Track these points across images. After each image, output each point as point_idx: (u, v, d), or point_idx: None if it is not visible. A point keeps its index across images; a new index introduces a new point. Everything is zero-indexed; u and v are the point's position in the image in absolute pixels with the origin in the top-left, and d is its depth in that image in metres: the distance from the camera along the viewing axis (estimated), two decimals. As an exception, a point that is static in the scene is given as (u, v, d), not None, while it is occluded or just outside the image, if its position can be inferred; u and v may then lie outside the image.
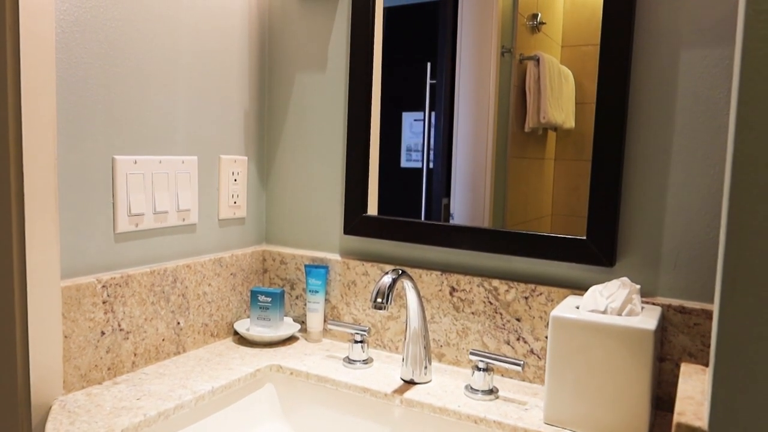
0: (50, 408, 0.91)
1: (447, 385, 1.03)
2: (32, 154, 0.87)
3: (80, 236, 0.97)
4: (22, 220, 0.87)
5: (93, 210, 0.99)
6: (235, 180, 1.26)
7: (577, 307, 0.91)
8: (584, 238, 0.99)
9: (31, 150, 0.87)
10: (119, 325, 1.02)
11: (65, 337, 0.93)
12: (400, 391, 1.01)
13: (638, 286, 0.91)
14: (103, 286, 0.99)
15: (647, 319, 0.86)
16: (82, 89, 0.96)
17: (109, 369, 1.01)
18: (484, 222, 1.10)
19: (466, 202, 1.13)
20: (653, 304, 0.95)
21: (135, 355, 1.05)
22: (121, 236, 1.03)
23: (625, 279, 0.92)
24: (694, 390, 0.67)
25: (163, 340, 1.10)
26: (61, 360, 0.93)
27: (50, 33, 0.88)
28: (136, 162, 1.04)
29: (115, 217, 1.02)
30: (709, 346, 0.92)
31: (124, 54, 1.02)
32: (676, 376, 0.94)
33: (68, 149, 0.94)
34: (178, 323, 1.13)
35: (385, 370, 1.10)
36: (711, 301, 0.93)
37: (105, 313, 0.99)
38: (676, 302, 0.94)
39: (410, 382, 1.04)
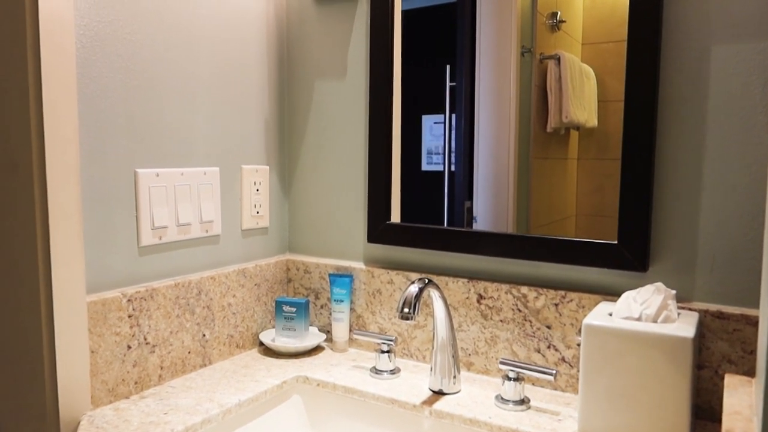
0: (78, 423, 0.91)
1: (477, 396, 1.01)
2: (55, 170, 0.87)
3: (104, 250, 0.97)
4: (46, 236, 0.87)
5: (116, 224, 0.99)
6: (257, 190, 1.25)
7: (610, 314, 0.89)
8: (615, 242, 0.96)
9: (54, 166, 0.87)
10: (145, 339, 1.01)
11: (92, 352, 0.93)
12: (429, 402, 0.99)
13: (673, 292, 0.88)
14: (128, 300, 0.98)
15: (685, 326, 0.83)
16: (102, 103, 0.96)
17: (136, 383, 1.00)
18: (508, 224, 1.08)
19: (489, 205, 1.11)
20: (689, 309, 0.91)
21: (161, 368, 1.05)
22: (145, 249, 1.03)
23: (659, 284, 0.89)
24: (741, 404, 0.64)
25: (189, 352, 1.10)
26: (89, 375, 0.93)
27: (71, 48, 0.88)
28: (158, 175, 1.04)
29: (139, 231, 1.02)
30: (749, 353, 0.88)
31: (143, 67, 1.02)
32: (716, 384, 0.90)
33: (90, 164, 0.94)
34: (204, 335, 1.13)
35: (413, 380, 1.08)
36: (751, 305, 0.89)
37: (131, 327, 0.99)
38: (713, 307, 0.91)
39: (439, 393, 1.02)
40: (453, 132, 1.14)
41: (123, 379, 0.98)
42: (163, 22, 1.04)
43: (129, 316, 0.99)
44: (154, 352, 1.03)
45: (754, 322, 0.88)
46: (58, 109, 0.87)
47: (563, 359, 1.02)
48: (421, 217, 1.18)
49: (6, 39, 0.87)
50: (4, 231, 0.91)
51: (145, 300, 1.01)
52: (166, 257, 1.07)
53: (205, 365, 1.13)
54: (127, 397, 0.99)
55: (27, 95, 0.85)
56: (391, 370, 1.10)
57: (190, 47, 1.10)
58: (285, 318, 1.20)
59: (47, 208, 0.86)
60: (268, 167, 1.28)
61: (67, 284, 0.89)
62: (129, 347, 0.99)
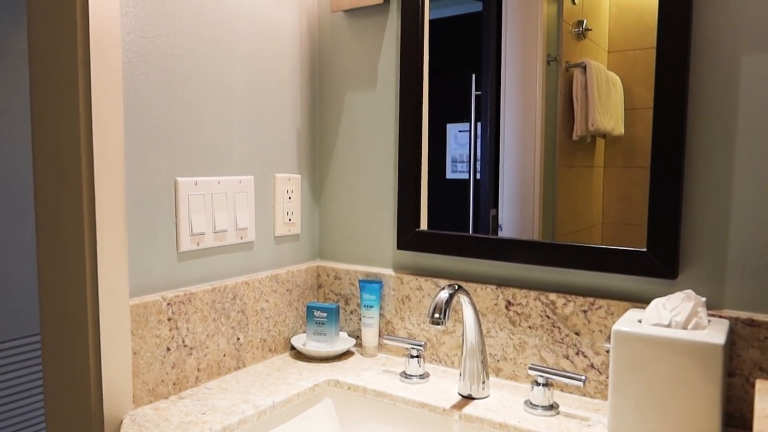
0: (121, 422, 0.94)
1: (506, 401, 1.02)
2: (102, 179, 0.91)
3: (146, 256, 1.01)
4: (94, 243, 0.91)
5: (158, 230, 1.03)
6: (290, 198, 1.29)
7: (640, 321, 0.89)
8: (644, 249, 0.97)
9: (101, 175, 0.91)
10: (183, 342, 1.05)
11: (134, 353, 0.97)
12: (458, 406, 1.00)
13: (703, 299, 0.89)
14: (168, 304, 1.02)
15: (715, 333, 0.83)
16: (146, 116, 1.00)
17: (174, 384, 1.04)
18: (534, 233, 1.10)
19: (515, 213, 1.12)
20: (720, 317, 0.92)
21: (198, 370, 1.08)
22: (183, 255, 1.07)
23: (689, 291, 0.89)
24: (772, 408, 0.64)
25: (224, 355, 1.13)
26: (131, 375, 0.96)
27: (117, 63, 0.93)
28: (196, 183, 1.08)
29: (178, 237, 1.06)
30: (781, 361, 0.88)
31: (183, 80, 1.06)
32: (747, 392, 0.91)
33: (134, 173, 0.99)
34: (238, 339, 1.16)
35: (442, 385, 1.10)
36: (782, 313, 0.89)
37: (170, 330, 1.03)
38: (744, 315, 0.91)
39: (468, 397, 1.04)
40: (478, 140, 1.16)
41: (162, 380, 1.02)
42: (202, 36, 1.08)
43: (168, 319, 1.02)
44: (191, 354, 1.07)
45: (785, 330, 0.88)
46: (106, 121, 0.92)
47: (592, 365, 1.03)
48: (446, 224, 1.20)
49: (58, 55, 0.92)
50: (54, 238, 0.96)
51: (184, 304, 1.05)
52: (204, 263, 1.11)
53: (239, 368, 1.17)
54: (166, 398, 1.02)
55: (77, 108, 0.90)
56: (420, 375, 1.12)
57: (227, 61, 1.14)
58: (316, 323, 1.23)
59: (94, 215, 0.91)
60: (300, 176, 1.32)
61: (112, 288, 0.93)
62: (168, 349, 1.03)
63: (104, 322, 0.92)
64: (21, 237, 2.25)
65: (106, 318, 0.92)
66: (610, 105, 1.01)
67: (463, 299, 1.01)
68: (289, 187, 1.29)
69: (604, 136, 1.03)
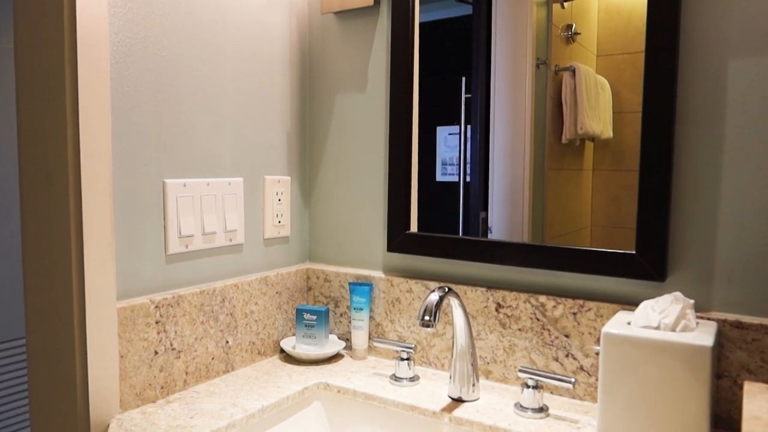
0: (108, 426, 0.93)
1: (496, 403, 1.02)
2: (89, 181, 0.90)
3: (134, 258, 1.00)
4: (80, 245, 0.90)
5: (146, 233, 1.02)
6: (279, 200, 1.28)
7: (629, 323, 0.90)
8: (633, 252, 0.97)
9: (88, 177, 0.90)
10: (171, 345, 1.04)
11: (121, 356, 0.96)
12: (448, 409, 1.00)
13: (692, 301, 0.89)
14: (156, 307, 1.01)
15: (703, 335, 0.84)
16: (134, 117, 0.99)
17: (162, 388, 1.03)
18: (523, 235, 1.10)
19: (505, 216, 1.12)
20: (708, 319, 0.92)
21: (186, 373, 1.07)
22: (172, 257, 1.06)
23: (677, 294, 0.90)
24: (761, 410, 0.65)
25: (213, 358, 1.12)
26: (118, 379, 0.95)
27: (105, 64, 0.92)
28: (185, 185, 1.07)
29: (167, 239, 1.05)
30: (769, 363, 0.89)
31: (172, 82, 1.05)
32: (735, 394, 0.91)
33: (122, 174, 0.98)
34: (227, 342, 1.15)
35: (432, 387, 1.10)
36: (769, 315, 0.90)
37: (158, 333, 1.02)
38: (732, 317, 0.91)
39: (458, 400, 1.04)
40: (468, 143, 1.16)
41: (150, 384, 1.01)
42: (191, 38, 1.08)
43: (156, 322, 1.01)
44: (179, 357, 1.06)
45: (772, 332, 0.88)
46: (93, 122, 0.91)
47: (581, 368, 1.03)
48: (435, 227, 1.20)
49: (45, 55, 0.91)
50: (40, 239, 0.94)
51: (172, 307, 1.04)
52: (192, 265, 1.10)
53: (228, 371, 1.16)
54: (153, 402, 1.01)
55: (64, 109, 0.89)
56: (410, 378, 1.11)
57: (217, 62, 1.13)
58: (305, 326, 1.23)
59: (81, 217, 0.90)
60: (289, 178, 1.31)
61: (99, 291, 0.92)
62: (156, 352, 1.01)
63: (91, 325, 0.91)
64: (7, 239, 2.23)
65: (93, 321, 0.91)
66: (599, 108, 1.02)
67: (453, 302, 1.01)
68: (279, 189, 1.28)
69: (592, 139, 1.03)
